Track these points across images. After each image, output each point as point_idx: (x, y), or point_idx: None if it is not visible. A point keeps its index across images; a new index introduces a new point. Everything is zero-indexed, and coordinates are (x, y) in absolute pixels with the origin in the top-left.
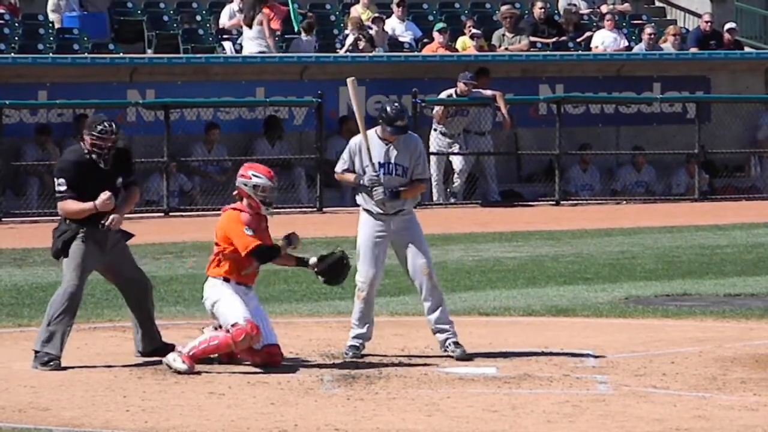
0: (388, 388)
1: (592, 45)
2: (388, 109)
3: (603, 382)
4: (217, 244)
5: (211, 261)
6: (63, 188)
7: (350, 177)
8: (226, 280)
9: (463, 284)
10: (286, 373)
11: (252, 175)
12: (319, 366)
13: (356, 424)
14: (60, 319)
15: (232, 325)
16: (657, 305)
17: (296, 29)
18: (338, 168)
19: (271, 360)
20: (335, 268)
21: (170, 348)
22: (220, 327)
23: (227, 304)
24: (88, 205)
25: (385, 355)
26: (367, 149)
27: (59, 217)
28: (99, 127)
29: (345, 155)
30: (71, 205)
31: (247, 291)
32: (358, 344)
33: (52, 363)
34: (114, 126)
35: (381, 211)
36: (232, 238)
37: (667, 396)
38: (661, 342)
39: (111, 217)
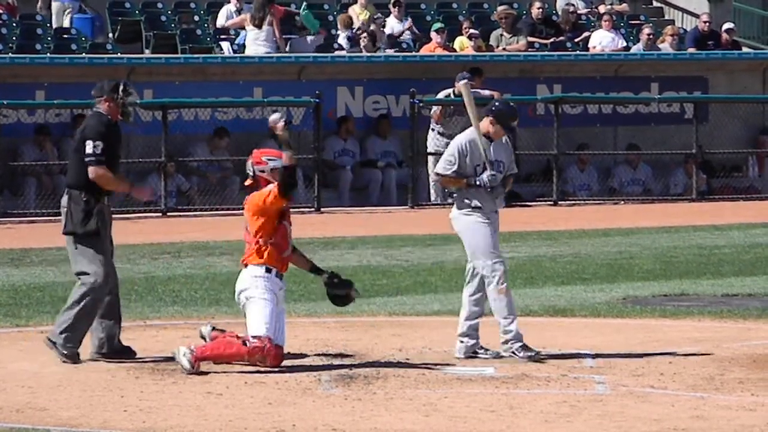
0: (385, 388)
1: (590, 45)
2: (504, 108)
3: (601, 382)
4: (253, 234)
5: (250, 250)
6: (100, 151)
7: (460, 181)
8: (269, 270)
9: (460, 284)
10: (283, 373)
11: (267, 160)
12: (317, 366)
13: (354, 424)
14: (90, 315)
15: (254, 337)
16: (655, 305)
17: (314, 31)
18: (443, 170)
19: (270, 359)
20: (340, 297)
21: (131, 352)
22: (215, 329)
23: (259, 309)
24: (125, 185)
25: (383, 355)
26: (483, 149)
27: (68, 193)
28: (122, 87)
29: (452, 156)
30: (108, 174)
31: (282, 285)
32: (522, 340)
33: (76, 357)
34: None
35: (494, 209)
36: (259, 204)
37: (665, 396)
38: (659, 342)
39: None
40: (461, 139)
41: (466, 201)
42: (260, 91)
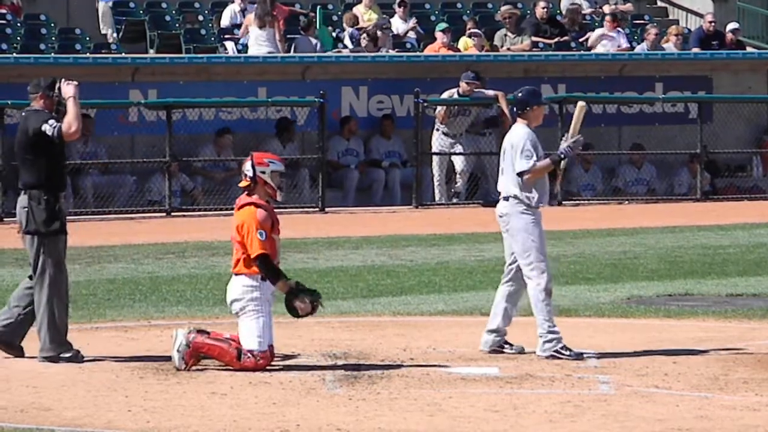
0: (390, 388)
1: (590, 44)
2: (523, 92)
3: (605, 382)
4: (241, 245)
5: (238, 259)
6: (56, 123)
7: (546, 163)
8: (264, 278)
9: (465, 284)
10: (288, 374)
11: (269, 162)
12: (322, 366)
13: (358, 424)
14: (63, 314)
15: (248, 351)
16: (659, 305)
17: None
18: (528, 166)
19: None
20: (294, 309)
21: (22, 353)
22: (200, 332)
23: (253, 323)
24: (74, 103)
25: (387, 355)
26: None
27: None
28: (58, 84)
29: (528, 151)
30: (68, 119)
31: (273, 289)
32: (562, 340)
33: (77, 353)
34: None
35: (544, 204)
36: (245, 237)
37: (669, 396)
38: (663, 342)
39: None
40: (524, 132)
41: (527, 196)
42: (264, 90)
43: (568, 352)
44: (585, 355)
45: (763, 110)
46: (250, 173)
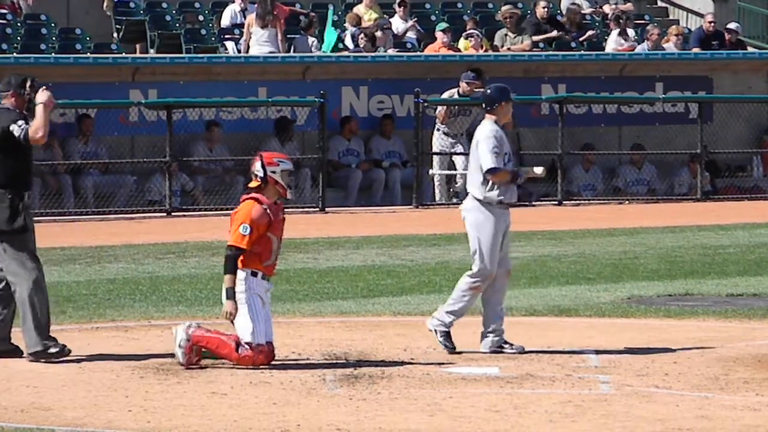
0: (390, 388)
1: (608, 46)
2: (491, 89)
3: (605, 382)
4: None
5: None
6: (24, 125)
7: (507, 172)
8: (254, 273)
9: None
10: (288, 373)
11: (278, 161)
12: (322, 366)
13: (358, 424)
14: (45, 309)
15: (246, 344)
16: (659, 305)
17: (328, 47)
18: (497, 163)
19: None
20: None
21: (18, 352)
22: (199, 326)
23: (245, 314)
24: (42, 111)
25: (387, 355)
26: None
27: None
28: (29, 82)
29: (497, 149)
30: (36, 123)
31: (269, 287)
32: (449, 333)
33: (63, 348)
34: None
35: (509, 203)
36: (232, 224)
37: (670, 396)
38: (664, 342)
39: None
40: (490, 130)
41: (486, 194)
42: (265, 90)
43: (444, 340)
44: (455, 350)
45: (763, 110)
46: (260, 173)
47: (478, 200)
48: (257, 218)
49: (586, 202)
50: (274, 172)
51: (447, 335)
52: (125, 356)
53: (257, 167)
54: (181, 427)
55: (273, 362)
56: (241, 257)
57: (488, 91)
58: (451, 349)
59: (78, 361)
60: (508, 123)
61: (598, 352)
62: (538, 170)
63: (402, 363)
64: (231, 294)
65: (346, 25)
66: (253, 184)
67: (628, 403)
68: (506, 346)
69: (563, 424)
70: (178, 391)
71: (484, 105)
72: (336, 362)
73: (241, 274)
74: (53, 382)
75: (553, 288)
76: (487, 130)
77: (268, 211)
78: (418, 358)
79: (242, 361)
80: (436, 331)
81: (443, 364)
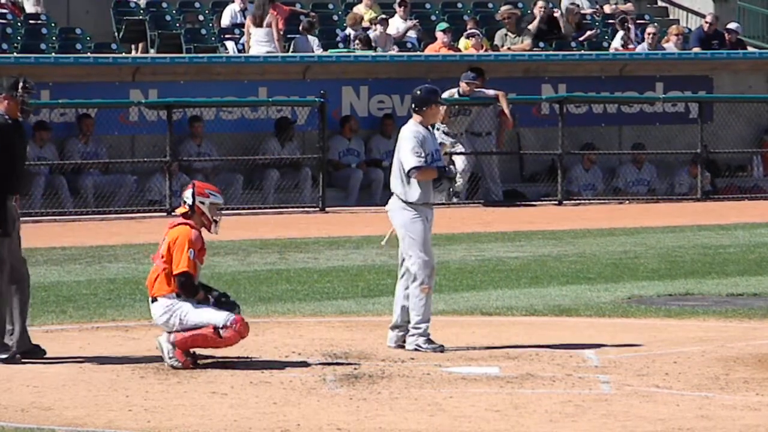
0: (390, 388)
1: (613, 46)
2: (420, 90)
3: (605, 382)
4: (167, 262)
5: (158, 279)
6: None
7: (432, 170)
8: (178, 295)
9: (465, 284)
10: (288, 373)
11: (210, 193)
12: (322, 365)
13: (359, 423)
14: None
15: (222, 326)
16: (659, 305)
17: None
18: (418, 162)
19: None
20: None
21: (41, 351)
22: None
23: (201, 312)
24: None
25: (387, 355)
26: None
27: None
28: (21, 84)
29: (417, 148)
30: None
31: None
32: (431, 336)
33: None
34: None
35: (432, 202)
36: (174, 251)
37: (670, 396)
38: (664, 342)
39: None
40: (411, 131)
41: (407, 193)
42: (265, 90)
43: (428, 345)
44: (443, 348)
45: (763, 110)
46: (189, 201)
47: (402, 200)
48: (194, 241)
49: (587, 201)
50: (202, 203)
51: (428, 340)
52: (125, 356)
53: (187, 194)
54: (181, 427)
55: (273, 362)
56: (170, 276)
57: (418, 92)
58: (440, 348)
59: (78, 361)
60: (507, 122)
61: (598, 352)
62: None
63: (402, 363)
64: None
65: (347, 25)
66: (180, 210)
67: (629, 402)
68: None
69: (563, 423)
70: (178, 391)
71: (412, 105)
72: (336, 362)
73: (168, 300)
74: (53, 382)
75: (554, 288)
76: (407, 131)
77: (200, 235)
78: (418, 358)
79: (229, 340)
80: (418, 347)
81: (443, 363)
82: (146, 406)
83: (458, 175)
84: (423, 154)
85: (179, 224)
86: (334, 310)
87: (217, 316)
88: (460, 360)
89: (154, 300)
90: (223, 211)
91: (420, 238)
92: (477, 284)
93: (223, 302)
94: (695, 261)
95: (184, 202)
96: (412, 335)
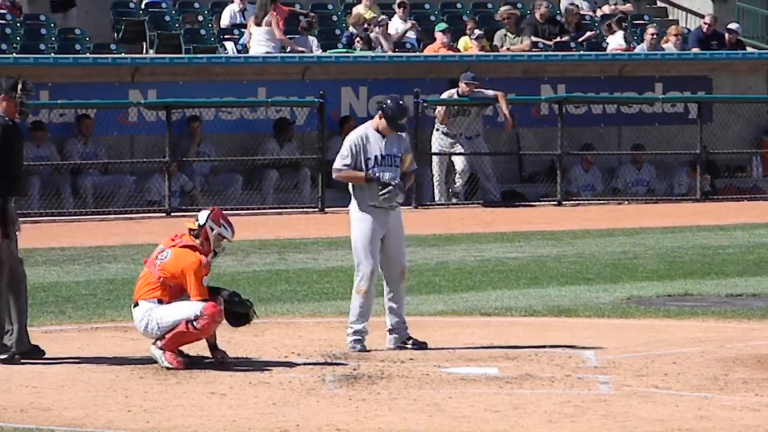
0: (389, 389)
1: (611, 46)
2: (392, 107)
3: (605, 383)
4: (164, 276)
5: (148, 286)
6: None
7: (358, 174)
8: (160, 301)
9: (464, 284)
10: (287, 374)
11: (223, 224)
12: (321, 366)
13: (358, 424)
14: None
15: (195, 317)
16: (659, 305)
17: None
18: (340, 165)
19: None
20: (238, 316)
21: (40, 352)
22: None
23: (173, 310)
24: None
25: (387, 355)
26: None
27: None
28: (20, 85)
29: (345, 151)
30: None
31: None
32: (360, 337)
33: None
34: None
35: (384, 206)
36: (189, 280)
37: (669, 396)
38: (663, 342)
39: None
40: (354, 136)
41: (362, 196)
42: (264, 90)
43: (352, 345)
44: (370, 350)
45: (763, 110)
46: (201, 221)
47: (356, 201)
48: (206, 267)
49: (586, 202)
50: (211, 229)
51: (356, 340)
52: (124, 357)
53: (203, 215)
54: (180, 427)
55: (273, 362)
56: (164, 284)
57: (390, 105)
58: (361, 350)
59: (77, 361)
60: (507, 123)
61: (597, 352)
62: (386, 177)
63: (401, 363)
64: (228, 304)
65: (348, 25)
66: (189, 224)
67: (628, 403)
68: (408, 342)
69: (563, 424)
70: (177, 392)
71: (381, 109)
72: (336, 362)
73: (151, 304)
74: (53, 382)
75: (553, 288)
76: (351, 134)
77: (209, 261)
78: (417, 358)
79: (205, 328)
80: (349, 344)
81: (442, 364)
82: (145, 407)
83: (458, 176)
84: (351, 158)
85: (188, 247)
86: (333, 311)
87: (188, 310)
88: (459, 360)
89: (136, 305)
90: (226, 246)
91: (362, 241)
92: (476, 285)
93: (236, 302)
94: (694, 261)
95: (196, 220)
96: (347, 335)
